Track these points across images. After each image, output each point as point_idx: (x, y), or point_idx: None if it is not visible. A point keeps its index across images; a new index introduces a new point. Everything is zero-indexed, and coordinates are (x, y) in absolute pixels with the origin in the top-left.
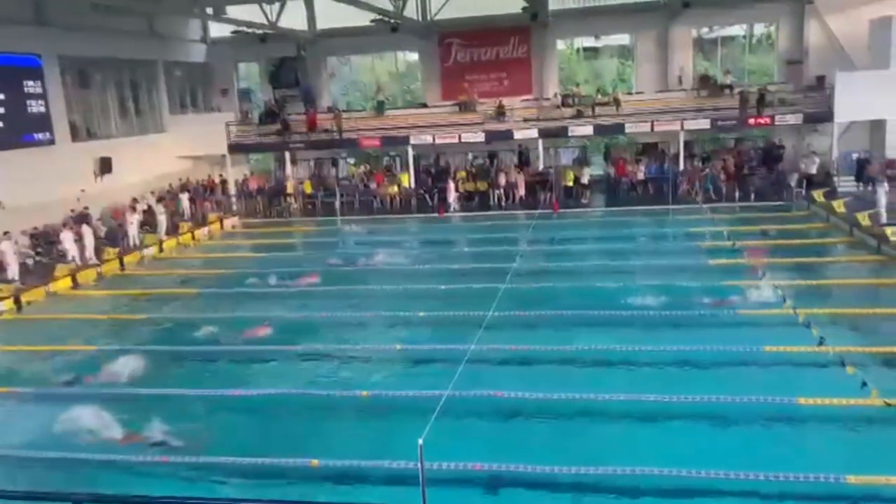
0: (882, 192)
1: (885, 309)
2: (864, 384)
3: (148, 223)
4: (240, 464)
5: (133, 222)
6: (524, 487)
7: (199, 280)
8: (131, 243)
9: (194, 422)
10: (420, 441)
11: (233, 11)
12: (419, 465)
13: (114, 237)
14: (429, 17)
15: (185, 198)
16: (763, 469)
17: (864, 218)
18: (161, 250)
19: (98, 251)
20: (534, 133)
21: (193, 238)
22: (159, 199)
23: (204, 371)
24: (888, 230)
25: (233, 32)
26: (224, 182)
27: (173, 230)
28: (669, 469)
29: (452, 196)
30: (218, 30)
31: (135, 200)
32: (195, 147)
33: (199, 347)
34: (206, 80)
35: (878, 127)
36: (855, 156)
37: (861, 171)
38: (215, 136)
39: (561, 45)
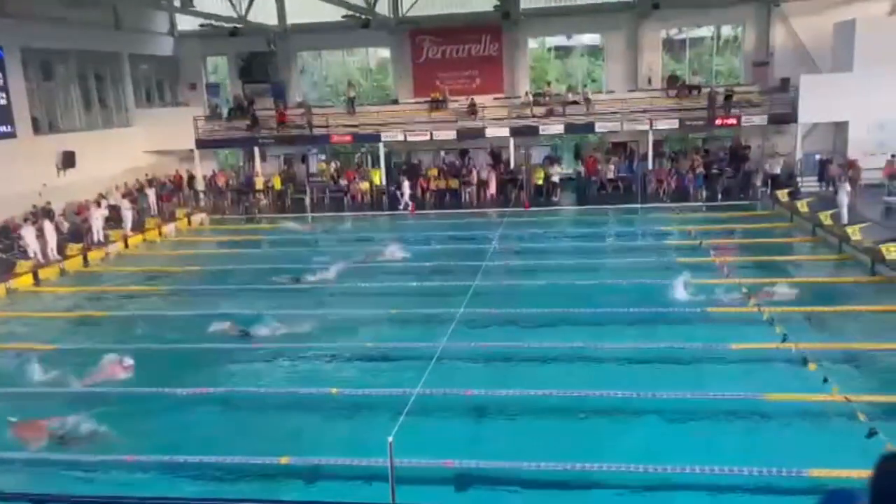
0: (843, 193)
1: (845, 307)
2: (826, 380)
3: (113, 219)
4: (208, 462)
5: (98, 218)
6: (494, 484)
7: (164, 277)
8: (96, 239)
9: (159, 420)
10: (390, 439)
11: (201, 4)
12: (389, 462)
13: (77, 233)
14: (400, 14)
15: (151, 193)
16: (728, 463)
17: (826, 218)
18: (126, 246)
19: (61, 247)
20: (505, 131)
21: (160, 234)
22: (125, 195)
23: (170, 369)
24: (849, 230)
25: (201, 26)
26: (192, 177)
27: (139, 226)
28: (637, 465)
29: (407, 194)
30: (186, 23)
31: (101, 196)
32: (162, 142)
33: (165, 345)
34: (174, 74)
35: (840, 129)
36: (818, 157)
37: (823, 171)
38: (183, 130)
39: (532, 43)
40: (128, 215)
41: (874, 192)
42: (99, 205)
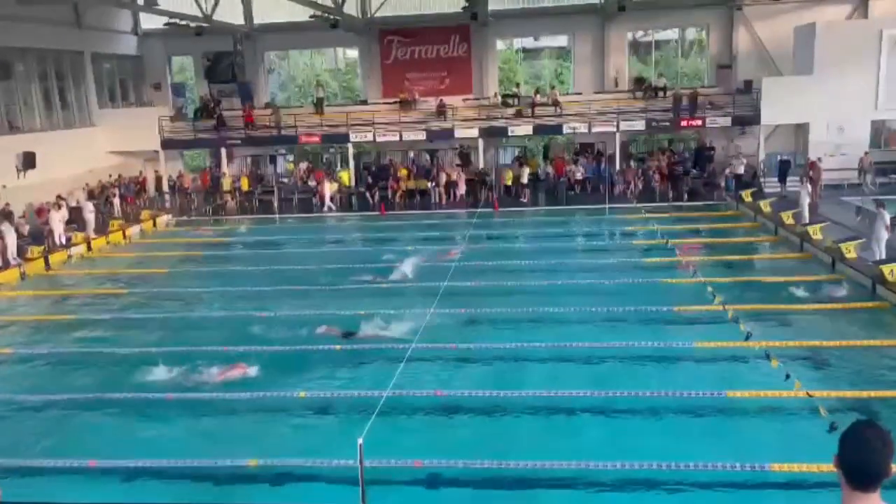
0: (804, 193)
1: (806, 305)
2: (788, 376)
3: (76, 221)
4: (176, 466)
5: (58, 220)
6: (464, 485)
7: (128, 280)
8: (57, 242)
9: (123, 425)
10: (360, 440)
11: (165, 3)
12: (359, 463)
13: (38, 235)
14: (369, 14)
15: (115, 194)
16: (692, 459)
17: (787, 217)
18: (89, 249)
19: (21, 250)
20: (474, 132)
21: (124, 236)
22: (89, 196)
23: (136, 373)
24: (810, 229)
25: (166, 25)
26: (158, 178)
27: (103, 228)
28: (605, 462)
29: (328, 195)
30: (150, 21)
31: (60, 197)
32: (126, 142)
33: (130, 349)
34: (138, 74)
35: (801, 130)
36: (779, 158)
37: (784, 172)
38: (147, 131)
39: (501, 45)
40: (90, 217)
41: (834, 193)
42: (59, 207)
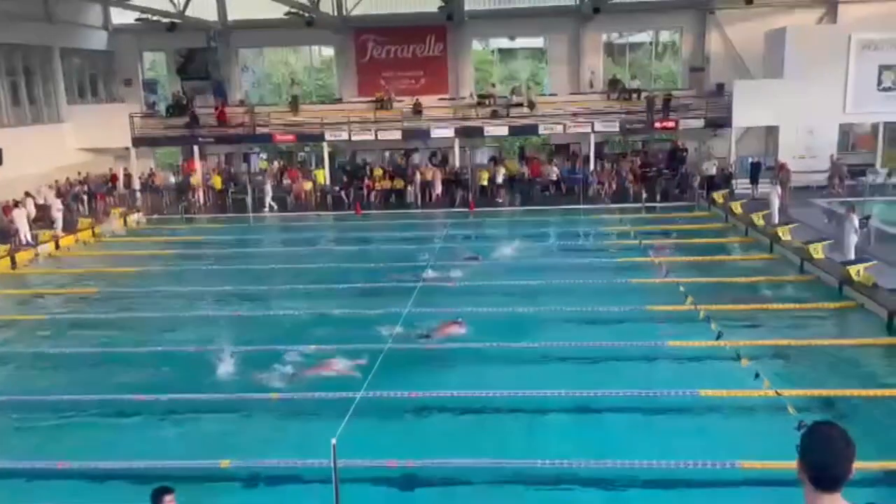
0: (775, 195)
1: (775, 305)
2: (757, 375)
3: (43, 219)
4: (146, 467)
5: (23, 217)
6: (438, 484)
7: (95, 279)
8: (23, 240)
9: (93, 426)
10: (333, 441)
11: None
12: (332, 463)
13: (4, 234)
14: (344, 12)
15: (84, 191)
16: (665, 457)
17: (758, 219)
18: (57, 248)
19: None
20: (450, 132)
21: (94, 234)
22: (58, 194)
23: (107, 374)
24: (779, 231)
25: (137, 20)
26: (127, 176)
27: (71, 226)
28: (578, 460)
29: (269, 196)
30: (121, 16)
31: (27, 195)
32: (96, 139)
33: (99, 349)
34: (109, 70)
35: (772, 133)
36: (750, 160)
37: (755, 174)
38: (118, 128)
39: (477, 45)
40: (58, 215)
41: (805, 194)
42: (19, 204)
